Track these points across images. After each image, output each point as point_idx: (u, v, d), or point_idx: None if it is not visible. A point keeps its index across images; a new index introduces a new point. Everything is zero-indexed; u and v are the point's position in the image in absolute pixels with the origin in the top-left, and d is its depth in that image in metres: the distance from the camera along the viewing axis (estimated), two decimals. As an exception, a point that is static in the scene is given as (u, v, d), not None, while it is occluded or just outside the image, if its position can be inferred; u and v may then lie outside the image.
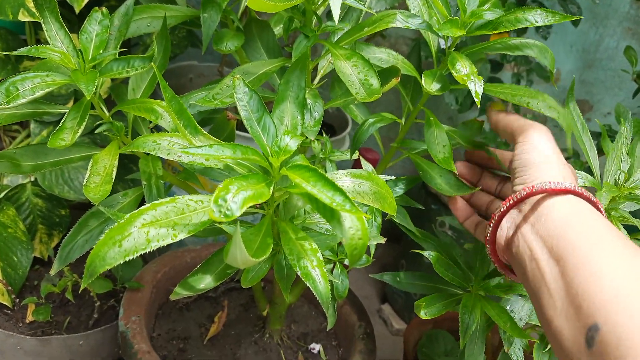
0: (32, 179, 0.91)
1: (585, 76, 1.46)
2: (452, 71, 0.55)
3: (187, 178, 0.67)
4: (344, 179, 0.52)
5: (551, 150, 0.51)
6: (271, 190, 0.41)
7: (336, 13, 0.45)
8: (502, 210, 0.50)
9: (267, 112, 0.48)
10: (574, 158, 1.14)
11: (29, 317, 0.84)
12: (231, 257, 0.40)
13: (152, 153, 0.48)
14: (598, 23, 1.38)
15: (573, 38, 1.40)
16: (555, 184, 0.46)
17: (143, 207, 0.42)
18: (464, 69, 0.55)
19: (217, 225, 0.49)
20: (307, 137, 0.56)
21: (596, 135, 1.16)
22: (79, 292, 0.90)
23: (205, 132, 0.48)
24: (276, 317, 0.80)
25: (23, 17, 0.73)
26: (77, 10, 0.77)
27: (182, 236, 0.41)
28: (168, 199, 0.43)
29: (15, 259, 0.85)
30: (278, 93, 0.52)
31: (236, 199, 0.37)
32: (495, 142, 1.31)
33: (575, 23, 1.10)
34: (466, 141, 0.66)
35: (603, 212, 0.47)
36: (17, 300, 0.85)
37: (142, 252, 0.39)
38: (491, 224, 0.51)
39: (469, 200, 0.64)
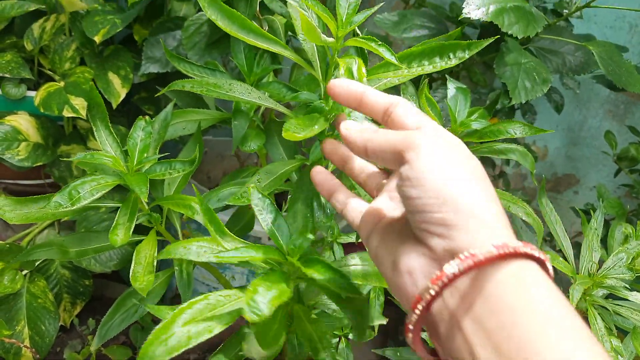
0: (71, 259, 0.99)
1: (571, 152, 1.57)
2: None
3: (210, 260, 0.75)
4: (354, 260, 0.60)
5: (465, 169, 0.37)
6: (291, 288, 0.49)
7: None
8: (432, 293, 0.35)
9: (280, 215, 0.55)
10: (550, 236, 1.22)
11: (54, 384, 0.89)
12: (247, 351, 0.48)
13: (184, 258, 0.55)
14: (581, 105, 1.50)
15: (559, 118, 1.51)
16: (501, 249, 0.34)
17: (182, 306, 0.48)
18: None
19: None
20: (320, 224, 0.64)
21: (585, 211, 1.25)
22: None
23: (232, 234, 0.56)
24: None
25: (67, 113, 0.82)
26: (114, 106, 0.86)
27: (217, 331, 0.47)
28: (202, 296, 0.50)
29: (43, 327, 0.91)
30: (292, 195, 0.60)
31: (264, 299, 0.44)
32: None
33: (558, 109, 1.21)
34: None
35: (551, 271, 0.37)
36: (43, 366, 0.91)
37: (184, 349, 0.45)
38: (416, 310, 0.36)
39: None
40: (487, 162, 1.28)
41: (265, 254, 0.51)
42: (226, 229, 0.57)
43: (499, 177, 1.31)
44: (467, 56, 0.49)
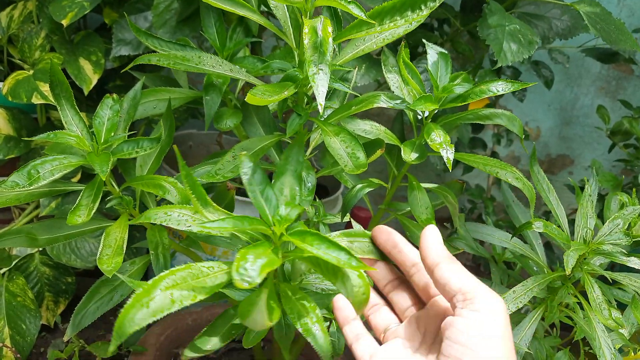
0: (41, 248, 0.96)
1: (564, 132, 1.54)
2: (428, 140, 0.61)
3: (190, 245, 0.71)
4: (339, 239, 0.57)
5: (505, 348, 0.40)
6: (280, 257, 0.45)
7: (321, 99, 0.50)
8: None
9: (269, 185, 0.52)
10: (546, 216, 1.19)
11: (36, 384, 0.86)
12: (251, 321, 0.44)
13: (164, 224, 0.52)
14: (572, 83, 1.47)
15: (550, 97, 1.48)
16: None
17: (163, 273, 0.45)
18: (438, 138, 0.61)
19: (222, 290, 0.53)
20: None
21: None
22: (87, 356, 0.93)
23: (214, 203, 0.52)
24: (276, 376, 0.83)
25: (36, 100, 0.79)
26: (85, 92, 0.83)
27: (200, 297, 0.44)
28: (184, 265, 0.47)
29: (24, 326, 0.88)
30: (278, 167, 0.57)
31: (254, 267, 0.41)
32: (481, 197, 1.36)
33: (548, 85, 1.18)
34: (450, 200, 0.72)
35: None
36: (25, 367, 0.88)
37: (168, 312, 0.42)
38: None
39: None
40: (478, 143, 1.25)
41: (251, 224, 0.47)
42: (209, 199, 0.53)
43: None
44: (437, 4, 0.47)
